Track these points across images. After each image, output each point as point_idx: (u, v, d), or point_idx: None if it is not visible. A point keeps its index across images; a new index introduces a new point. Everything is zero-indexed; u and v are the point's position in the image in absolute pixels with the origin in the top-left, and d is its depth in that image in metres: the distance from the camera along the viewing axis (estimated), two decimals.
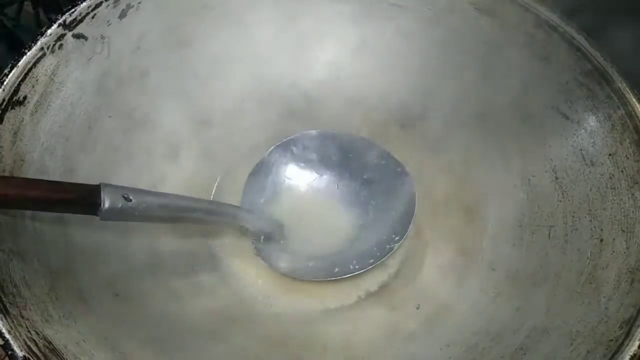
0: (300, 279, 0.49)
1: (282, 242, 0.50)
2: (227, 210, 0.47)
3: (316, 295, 0.49)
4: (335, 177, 0.53)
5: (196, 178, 0.52)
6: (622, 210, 0.44)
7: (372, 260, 0.49)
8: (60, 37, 0.47)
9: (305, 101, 0.56)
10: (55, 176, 0.45)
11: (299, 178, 0.53)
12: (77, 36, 0.47)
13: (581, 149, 0.47)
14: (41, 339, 0.37)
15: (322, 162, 0.53)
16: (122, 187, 0.39)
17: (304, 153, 0.53)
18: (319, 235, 0.51)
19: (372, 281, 0.50)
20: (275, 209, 0.51)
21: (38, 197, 0.36)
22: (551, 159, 0.49)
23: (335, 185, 0.52)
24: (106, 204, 0.37)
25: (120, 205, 0.38)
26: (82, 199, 0.38)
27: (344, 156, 0.53)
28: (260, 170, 0.52)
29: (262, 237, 0.49)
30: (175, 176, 0.52)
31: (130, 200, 0.39)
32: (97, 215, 0.38)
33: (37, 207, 0.38)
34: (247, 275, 0.49)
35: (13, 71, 0.44)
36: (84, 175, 0.46)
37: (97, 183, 0.39)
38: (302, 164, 0.53)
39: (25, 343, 0.36)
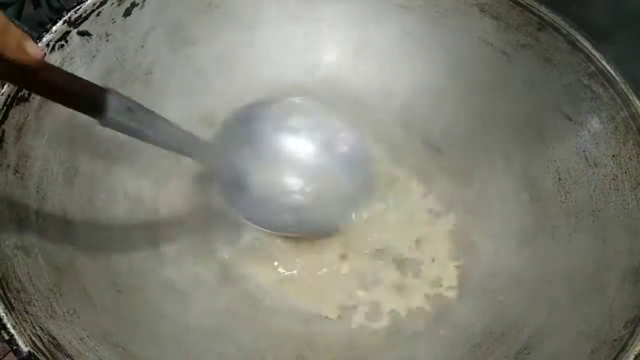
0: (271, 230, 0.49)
1: (248, 190, 0.50)
2: (206, 146, 0.46)
3: (318, 294, 0.49)
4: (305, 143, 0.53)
5: (199, 175, 0.52)
6: (626, 210, 0.44)
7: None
8: (66, 34, 0.46)
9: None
10: (59, 173, 0.45)
11: (271, 138, 0.52)
12: (82, 33, 0.47)
13: (584, 150, 0.47)
14: (46, 334, 0.37)
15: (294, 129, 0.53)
16: (128, 99, 0.38)
17: (280, 117, 0.52)
18: (285, 190, 0.51)
19: (374, 281, 0.49)
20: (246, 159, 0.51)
21: (46, 79, 0.35)
22: (554, 160, 0.49)
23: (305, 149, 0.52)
24: (110, 110, 0.37)
25: (122, 115, 0.38)
26: (88, 95, 0.37)
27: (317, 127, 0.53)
28: (235, 123, 0.51)
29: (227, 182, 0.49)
30: (179, 174, 0.51)
31: (134, 113, 0.38)
32: (99, 119, 0.37)
33: (42, 89, 0.36)
34: (250, 274, 0.48)
35: None
36: (88, 172, 0.46)
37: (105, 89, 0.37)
38: (276, 127, 0.52)
39: (30, 338, 0.36)
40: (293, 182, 0.51)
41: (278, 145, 0.52)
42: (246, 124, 0.51)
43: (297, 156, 0.52)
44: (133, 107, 0.38)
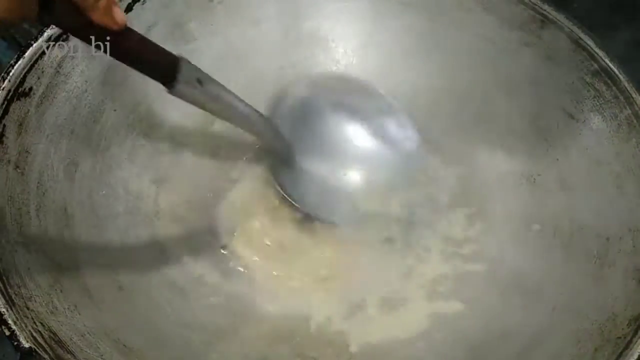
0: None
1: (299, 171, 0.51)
2: (268, 123, 0.48)
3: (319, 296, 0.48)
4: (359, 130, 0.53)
5: (199, 173, 0.52)
6: (629, 209, 0.44)
7: None
8: None
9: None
10: (60, 169, 0.45)
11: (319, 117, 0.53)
12: None
13: (587, 148, 0.47)
14: (46, 330, 0.36)
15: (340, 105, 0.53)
16: (198, 70, 0.39)
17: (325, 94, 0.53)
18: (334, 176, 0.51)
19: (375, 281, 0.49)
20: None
21: (125, 44, 0.35)
22: (557, 158, 0.49)
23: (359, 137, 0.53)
24: (180, 80, 0.37)
25: (191, 87, 0.39)
26: (162, 63, 0.37)
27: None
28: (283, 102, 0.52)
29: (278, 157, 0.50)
30: (179, 171, 0.51)
31: (203, 86, 0.39)
32: (168, 87, 0.38)
33: (119, 53, 0.36)
34: (252, 272, 0.48)
35: (19, 62, 0.44)
36: (89, 168, 0.46)
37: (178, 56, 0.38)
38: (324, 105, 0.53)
39: (31, 334, 0.35)
40: (343, 169, 0.52)
41: (332, 129, 0.53)
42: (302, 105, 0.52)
43: (350, 143, 0.52)
44: (203, 79, 0.39)
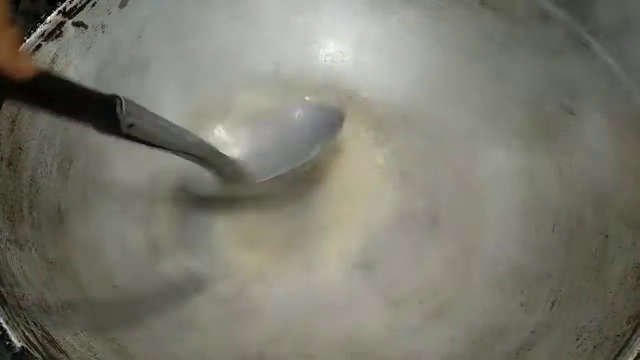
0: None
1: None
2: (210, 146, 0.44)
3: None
4: None
5: (195, 171, 0.51)
6: (628, 205, 0.44)
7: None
8: (60, 25, 0.46)
9: (308, 94, 0.55)
10: (54, 166, 0.44)
11: None
12: (77, 24, 0.47)
13: (587, 145, 0.47)
14: (39, 329, 0.36)
15: None
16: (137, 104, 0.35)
17: None
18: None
19: (375, 278, 0.49)
20: None
21: (45, 88, 0.30)
22: (556, 155, 0.48)
23: None
24: (129, 116, 0.33)
25: (142, 120, 0.34)
26: (100, 103, 0.32)
27: None
28: None
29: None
30: (174, 169, 0.51)
31: (151, 118, 0.35)
32: (116, 129, 0.33)
33: (40, 101, 0.31)
34: (248, 269, 0.48)
35: None
36: (83, 165, 0.46)
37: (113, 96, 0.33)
38: None
39: (24, 334, 0.35)
40: None
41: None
42: None
43: None
44: (146, 112, 0.35)
